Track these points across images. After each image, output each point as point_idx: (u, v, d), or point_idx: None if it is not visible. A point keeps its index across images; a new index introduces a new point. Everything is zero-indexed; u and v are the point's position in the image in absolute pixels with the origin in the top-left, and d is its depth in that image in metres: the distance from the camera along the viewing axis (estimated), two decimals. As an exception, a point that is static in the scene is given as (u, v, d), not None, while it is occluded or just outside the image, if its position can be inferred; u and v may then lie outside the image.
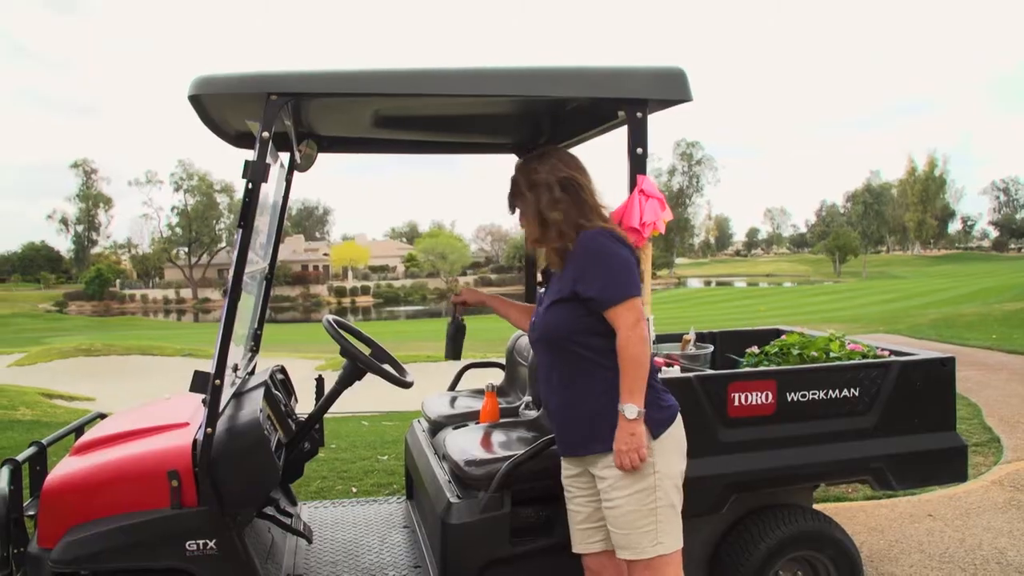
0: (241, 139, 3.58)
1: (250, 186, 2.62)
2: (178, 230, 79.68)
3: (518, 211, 2.87)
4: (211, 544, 2.68)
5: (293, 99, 2.68)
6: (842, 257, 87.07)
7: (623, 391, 2.61)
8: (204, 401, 2.66)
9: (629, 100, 2.90)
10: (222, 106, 2.99)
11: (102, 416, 3.63)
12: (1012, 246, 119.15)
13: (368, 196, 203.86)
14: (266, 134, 2.62)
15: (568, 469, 2.88)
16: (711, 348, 4.16)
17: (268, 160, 2.65)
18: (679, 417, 2.77)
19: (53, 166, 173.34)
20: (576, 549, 2.88)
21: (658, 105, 2.97)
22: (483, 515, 2.96)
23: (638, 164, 2.91)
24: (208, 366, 2.62)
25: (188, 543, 2.67)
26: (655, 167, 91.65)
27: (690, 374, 3.24)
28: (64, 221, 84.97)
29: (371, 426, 8.81)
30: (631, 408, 2.59)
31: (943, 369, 3.52)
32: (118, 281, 77.19)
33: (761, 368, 3.54)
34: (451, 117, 3.74)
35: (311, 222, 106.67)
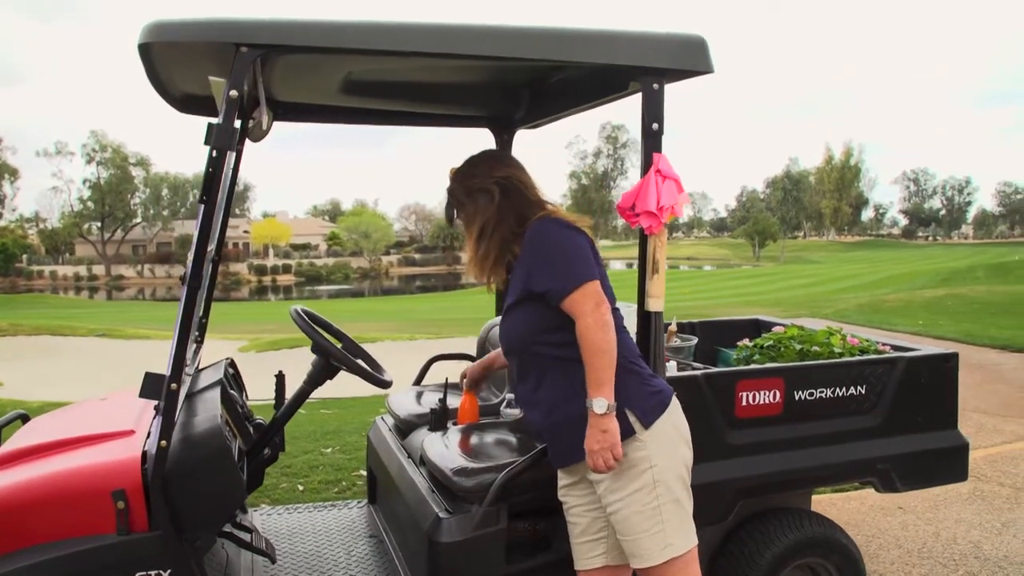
0: (187, 103, 3.15)
1: (214, 154, 2.22)
2: (90, 204, 76.15)
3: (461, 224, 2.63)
4: (165, 574, 2.28)
5: (267, 52, 2.27)
6: (761, 242, 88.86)
7: (589, 384, 2.35)
8: (157, 408, 2.27)
9: (646, 69, 2.58)
10: (176, 60, 2.56)
11: (24, 418, 3.15)
12: (920, 234, 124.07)
13: (290, 173, 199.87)
14: (234, 93, 2.22)
15: (563, 479, 2.59)
16: (695, 340, 3.92)
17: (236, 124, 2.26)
18: (675, 401, 2.50)
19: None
20: (578, 566, 2.59)
21: (676, 76, 2.66)
22: (477, 532, 2.62)
23: (654, 141, 2.61)
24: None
25: (138, 575, 2.26)
26: (580, 149, 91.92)
27: (697, 372, 2.96)
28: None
29: (308, 415, 8.38)
30: (600, 402, 2.32)
31: (947, 365, 3.35)
32: (25, 256, 73.71)
33: (770, 365, 3.29)
34: (425, 85, 3.38)
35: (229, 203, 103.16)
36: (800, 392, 3.06)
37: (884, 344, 3.59)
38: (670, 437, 2.46)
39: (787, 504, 3.23)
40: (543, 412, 2.51)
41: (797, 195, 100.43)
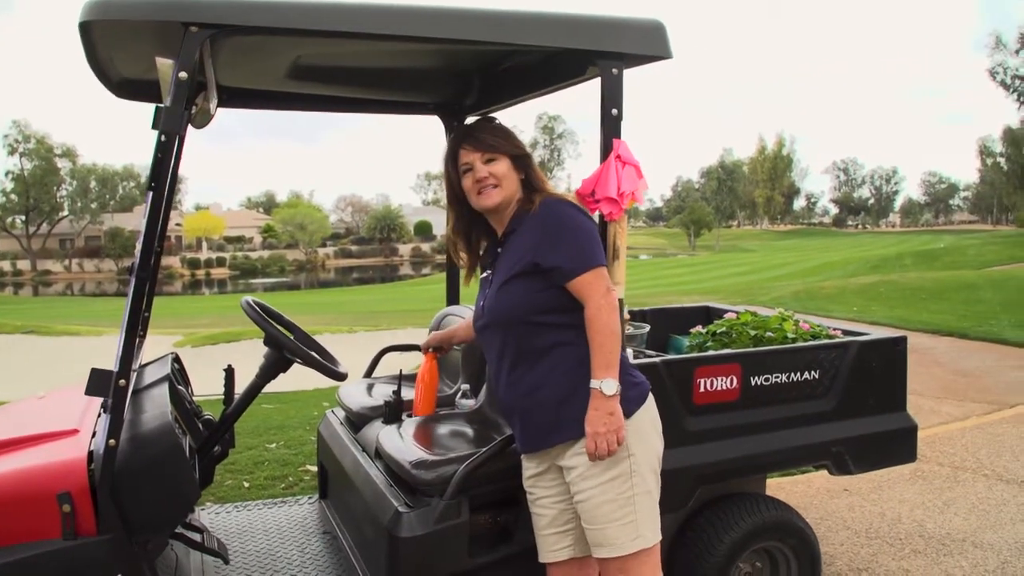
0: (126, 87, 3.02)
1: (163, 138, 2.12)
2: (14, 197, 73.45)
3: (501, 163, 2.48)
4: None
5: (217, 32, 2.18)
6: (696, 231, 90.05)
7: (597, 366, 2.31)
8: (104, 405, 2.16)
9: (605, 54, 2.56)
10: (119, 40, 2.44)
11: None
12: (850, 222, 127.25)
13: (222, 164, 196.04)
14: (184, 74, 2.12)
15: (530, 468, 2.55)
16: (647, 327, 3.91)
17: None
18: (651, 395, 2.50)
19: None
20: (542, 558, 2.55)
21: (635, 61, 2.64)
22: (438, 525, 2.56)
23: (614, 127, 2.59)
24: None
25: None
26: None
27: (656, 359, 2.95)
28: None
29: (251, 410, 8.20)
30: (609, 383, 2.30)
31: (896, 348, 3.41)
32: (-57, 251, 71.01)
33: (727, 351, 3.30)
34: (374, 71, 3.30)
35: (172, 194, 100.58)
36: (756, 378, 3.07)
37: (835, 329, 3.63)
38: (647, 429, 2.46)
39: (743, 489, 3.25)
40: (521, 392, 2.45)
41: (731, 185, 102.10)
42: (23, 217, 73.42)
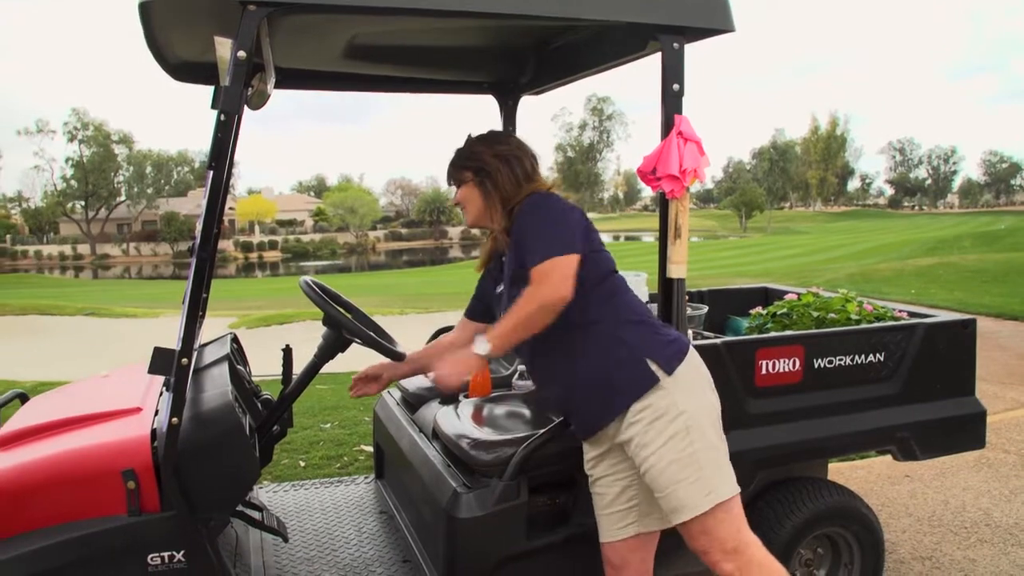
0: (183, 70, 3.03)
1: (222, 118, 2.12)
2: (73, 183, 75.25)
3: (465, 186, 2.57)
4: (179, 556, 2.19)
5: (275, 10, 2.16)
6: (748, 213, 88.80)
7: (492, 331, 2.32)
8: (166, 384, 2.18)
9: (666, 27, 2.49)
10: (177, 21, 2.45)
11: (22, 398, 3.06)
12: (906, 203, 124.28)
13: (274, 149, 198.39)
14: (242, 53, 2.11)
15: (591, 451, 2.53)
16: (706, 308, 3.85)
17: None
18: (692, 350, 2.45)
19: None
20: (605, 538, 2.52)
21: (697, 35, 2.57)
22: (497, 507, 2.54)
23: (675, 103, 2.52)
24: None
25: (151, 556, 2.17)
26: (565, 122, 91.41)
27: (717, 340, 2.90)
28: (-54, 173, 79.64)
29: (306, 390, 8.31)
30: (482, 344, 2.31)
31: (965, 331, 3.30)
32: (9, 236, 72.97)
33: (790, 332, 3.23)
34: (429, 49, 3.27)
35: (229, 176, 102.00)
36: (819, 360, 3.00)
37: (900, 310, 3.53)
38: (694, 381, 2.41)
39: (805, 474, 3.18)
40: (565, 384, 2.45)
41: (783, 165, 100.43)
42: (83, 202, 75.25)
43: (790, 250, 42.15)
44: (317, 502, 3.57)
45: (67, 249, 71.82)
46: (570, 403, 2.48)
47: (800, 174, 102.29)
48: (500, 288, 2.63)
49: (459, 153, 2.61)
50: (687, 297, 3.94)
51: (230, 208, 77.27)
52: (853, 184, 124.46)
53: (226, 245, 71.16)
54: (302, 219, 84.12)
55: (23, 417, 2.69)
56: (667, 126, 2.53)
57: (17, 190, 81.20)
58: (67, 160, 74.91)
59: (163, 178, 78.50)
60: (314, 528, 3.29)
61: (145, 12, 2.28)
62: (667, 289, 2.61)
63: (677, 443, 2.31)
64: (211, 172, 2.15)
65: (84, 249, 71.98)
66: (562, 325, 2.36)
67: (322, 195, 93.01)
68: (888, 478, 4.90)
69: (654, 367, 2.34)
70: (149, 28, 2.46)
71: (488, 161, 2.53)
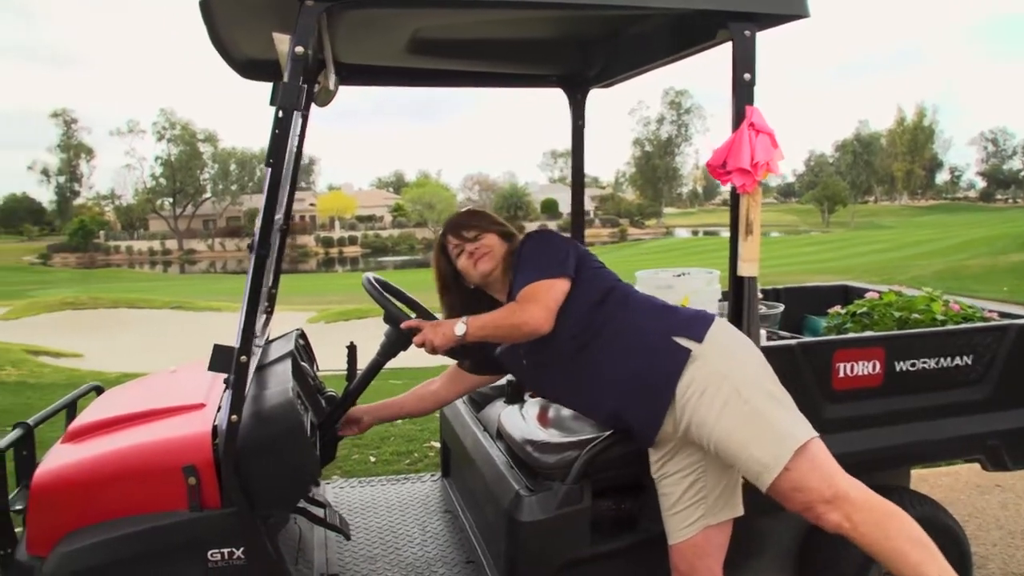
0: (250, 67, 3.05)
1: (280, 114, 2.11)
2: (162, 180, 78.11)
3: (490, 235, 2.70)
4: (238, 552, 2.20)
5: (332, 5, 2.14)
6: (830, 207, 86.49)
7: (477, 318, 2.47)
8: (227, 381, 2.18)
9: (737, 15, 2.39)
10: (238, 19, 2.45)
11: (98, 391, 3.12)
12: (999, 196, 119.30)
13: (354, 145, 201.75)
14: (300, 49, 2.10)
15: (656, 454, 2.47)
16: (782, 307, 3.71)
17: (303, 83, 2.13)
18: (719, 318, 2.45)
19: (33, 116, 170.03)
20: (674, 539, 2.45)
21: (769, 22, 2.46)
22: (560, 510, 2.49)
23: (746, 94, 2.43)
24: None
25: (211, 552, 2.18)
26: (643, 116, 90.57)
27: (792, 341, 2.78)
28: (45, 172, 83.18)
29: (378, 385, 8.36)
30: (461, 327, 2.46)
31: None
32: (102, 233, 75.97)
33: (869, 334, 3.08)
34: (495, 42, 3.22)
35: (297, 172, 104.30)
36: (902, 363, 2.85)
37: (990, 311, 3.34)
38: (729, 343, 2.38)
39: (886, 482, 3.03)
40: (614, 399, 2.45)
41: (868, 158, 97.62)
42: (171, 199, 77.88)
43: (874, 245, 40.93)
44: (383, 499, 3.57)
45: (156, 245, 74.47)
46: (620, 419, 2.47)
47: (885, 167, 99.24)
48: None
49: (476, 212, 2.78)
50: (761, 295, 3.82)
51: (310, 204, 78.89)
52: (942, 177, 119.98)
53: (307, 240, 72.68)
54: (381, 215, 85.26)
55: (94, 411, 2.74)
56: (738, 118, 2.43)
57: (110, 188, 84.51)
58: (156, 159, 77.88)
59: (246, 175, 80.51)
60: (379, 526, 3.28)
61: (206, 10, 2.28)
62: (738, 288, 2.51)
63: (733, 407, 2.26)
64: (270, 169, 2.13)
65: (172, 244, 74.50)
66: (586, 346, 2.44)
67: (400, 191, 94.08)
68: (977, 487, 4.67)
69: (682, 341, 2.34)
70: (212, 26, 2.48)
71: (506, 225, 2.75)
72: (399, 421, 6.15)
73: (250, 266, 2.16)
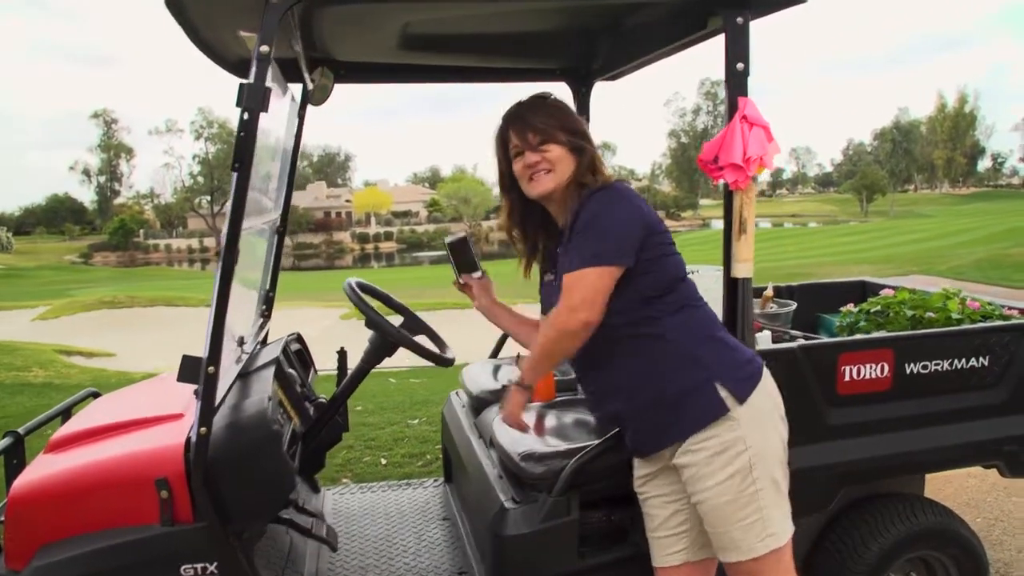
0: (242, 68, 2.98)
1: (246, 116, 2.02)
2: (200, 179, 79.11)
3: (558, 146, 2.23)
4: (211, 568, 2.13)
5: (299, 3, 2.06)
6: (869, 196, 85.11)
7: (527, 365, 2.28)
8: (196, 393, 2.11)
9: (727, 1, 2.27)
10: (211, 18, 2.38)
11: (95, 395, 3.09)
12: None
13: (389, 141, 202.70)
14: (265, 48, 2.02)
15: (642, 469, 2.33)
16: (794, 305, 3.58)
17: (269, 83, 2.05)
18: (766, 371, 2.21)
19: (74, 117, 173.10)
20: (656, 563, 2.33)
21: (763, 8, 2.34)
22: (545, 523, 2.39)
23: (739, 84, 2.31)
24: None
25: (183, 567, 2.12)
26: (679, 107, 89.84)
27: (792, 344, 2.66)
28: (86, 172, 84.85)
29: (399, 383, 8.34)
30: (519, 386, 2.30)
31: None
32: (142, 231, 77.12)
33: (876, 335, 2.95)
34: (493, 36, 3.12)
35: (332, 168, 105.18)
36: (912, 365, 2.71)
37: (1010, 308, 3.18)
38: (766, 412, 2.18)
39: (897, 489, 2.90)
40: (624, 398, 2.24)
41: (907, 146, 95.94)
42: (208, 198, 78.74)
43: (913, 235, 40.15)
44: (382, 506, 3.50)
45: (194, 243, 75.36)
46: (627, 419, 2.29)
47: (925, 155, 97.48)
48: (549, 276, 2.42)
49: (554, 106, 2.32)
50: (773, 293, 3.69)
51: (346, 200, 79.32)
52: (984, 164, 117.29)
53: (343, 236, 73.07)
54: (416, 210, 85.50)
55: (79, 420, 2.71)
56: (732, 109, 2.31)
57: (149, 187, 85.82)
58: (194, 157, 78.80)
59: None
60: (375, 534, 3.22)
61: (175, 8, 2.21)
62: (732, 290, 2.39)
63: (738, 481, 2.11)
64: (236, 173, 2.05)
65: (210, 242, 75.27)
66: (624, 338, 2.18)
67: (436, 186, 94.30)
68: (1003, 489, 4.50)
69: (724, 394, 2.11)
70: (189, 28, 2.42)
71: (586, 132, 2.29)
72: (414, 421, 6.10)
73: (216, 273, 2.09)
